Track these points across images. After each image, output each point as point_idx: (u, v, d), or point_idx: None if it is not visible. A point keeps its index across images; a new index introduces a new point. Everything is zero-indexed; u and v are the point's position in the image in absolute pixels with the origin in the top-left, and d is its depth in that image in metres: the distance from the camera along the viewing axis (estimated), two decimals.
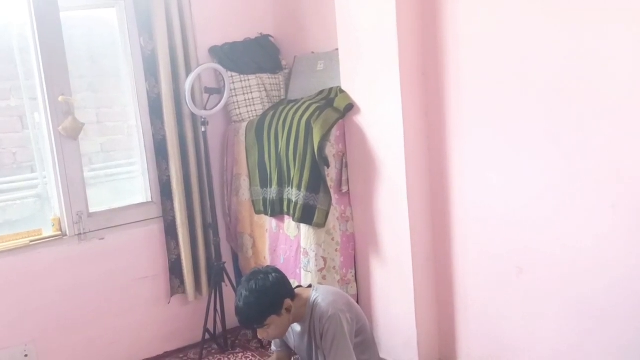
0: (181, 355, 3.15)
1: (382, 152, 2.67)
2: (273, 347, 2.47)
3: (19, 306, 2.68)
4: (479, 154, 2.46)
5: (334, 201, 2.81)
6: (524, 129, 2.26)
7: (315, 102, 2.87)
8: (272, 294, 2.12)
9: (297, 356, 2.50)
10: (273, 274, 2.17)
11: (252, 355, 3.06)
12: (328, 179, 2.79)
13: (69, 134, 2.77)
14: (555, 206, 2.20)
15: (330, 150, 2.79)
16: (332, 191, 2.80)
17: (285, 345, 2.43)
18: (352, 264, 2.96)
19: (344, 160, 2.86)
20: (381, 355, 2.49)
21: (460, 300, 2.65)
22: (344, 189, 2.88)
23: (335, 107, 2.80)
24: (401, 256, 2.68)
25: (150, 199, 3.13)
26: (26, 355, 2.70)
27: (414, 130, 2.59)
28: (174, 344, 3.22)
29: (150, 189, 3.12)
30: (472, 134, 2.46)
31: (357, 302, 2.80)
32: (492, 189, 2.43)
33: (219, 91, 3.08)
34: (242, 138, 3.18)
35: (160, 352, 3.17)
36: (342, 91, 2.82)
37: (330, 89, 2.95)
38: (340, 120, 2.79)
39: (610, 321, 2.10)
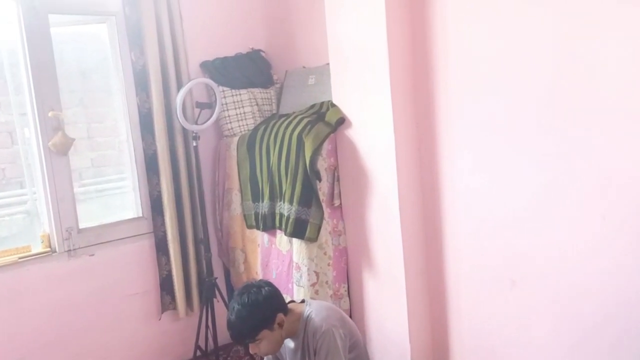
0: None
1: (374, 165, 2.67)
2: None
3: (7, 324, 2.64)
4: (471, 166, 2.46)
5: (326, 215, 2.81)
6: (514, 141, 2.27)
7: (306, 117, 2.88)
8: (264, 307, 2.10)
9: None
10: (266, 288, 2.15)
11: None
12: (320, 193, 2.79)
13: (59, 149, 2.75)
14: (548, 218, 2.21)
15: (322, 164, 2.79)
16: (324, 205, 2.80)
17: None
18: (345, 278, 2.94)
19: (336, 174, 2.86)
20: None
21: (454, 314, 2.64)
22: (336, 202, 2.87)
23: (327, 121, 2.81)
24: (394, 270, 2.67)
25: (141, 214, 3.10)
26: None
27: (406, 143, 2.60)
28: None
29: (141, 204, 3.10)
30: (463, 147, 2.47)
31: (350, 316, 2.78)
32: (485, 202, 2.43)
33: (210, 106, 3.08)
34: (234, 152, 3.18)
35: None
36: (333, 105, 2.83)
37: (322, 103, 2.96)
38: (332, 134, 2.80)
39: (603, 333, 2.10)
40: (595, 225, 2.06)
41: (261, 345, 2.14)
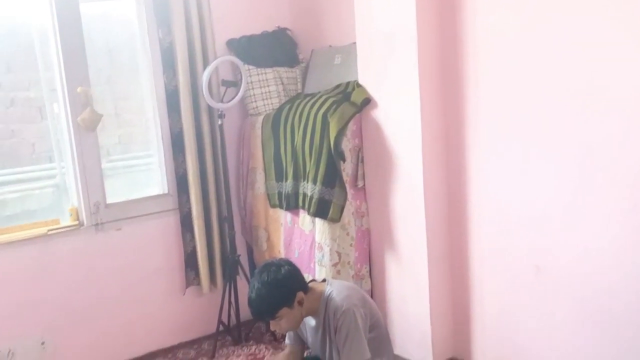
0: (195, 347, 3.17)
1: (399, 147, 2.64)
2: (287, 341, 2.46)
3: (36, 295, 2.72)
4: (498, 152, 2.42)
5: (349, 196, 2.80)
6: (544, 128, 2.23)
7: (332, 96, 2.86)
8: (283, 286, 2.12)
9: (309, 350, 2.49)
10: (285, 267, 2.17)
11: (266, 348, 3.07)
12: (344, 174, 2.78)
13: (87, 125, 2.79)
14: (575, 206, 2.17)
15: (347, 145, 2.78)
16: (347, 186, 2.79)
17: (298, 339, 2.43)
18: (367, 260, 2.94)
19: (360, 155, 2.84)
20: (395, 352, 2.48)
21: (476, 299, 2.63)
22: (360, 184, 2.86)
23: (352, 101, 2.78)
24: (416, 253, 2.66)
25: (166, 191, 3.14)
26: (43, 344, 2.74)
27: (432, 125, 2.56)
28: (188, 335, 3.24)
29: (167, 181, 3.13)
30: (491, 132, 2.43)
31: (371, 297, 2.78)
32: (511, 188, 2.39)
33: (236, 84, 3.08)
34: (259, 131, 3.18)
35: (174, 342, 3.19)
36: (359, 85, 2.81)
37: (347, 83, 2.93)
38: (357, 115, 2.78)
39: (627, 323, 2.06)
40: (624, 216, 2.02)
41: (281, 323, 2.17)
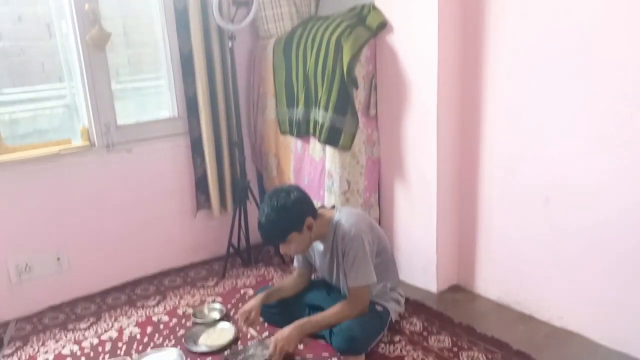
0: (206, 267, 3.26)
1: (414, 74, 2.58)
2: (295, 264, 2.53)
3: (50, 213, 2.78)
4: (515, 82, 2.36)
5: (360, 124, 2.77)
6: (562, 61, 2.16)
7: (346, 20, 2.76)
8: (293, 211, 2.14)
9: (317, 273, 2.56)
10: (295, 192, 2.18)
11: (274, 271, 3.16)
12: (356, 101, 2.74)
13: (96, 43, 2.73)
14: (590, 139, 2.13)
15: (360, 71, 2.71)
16: (359, 114, 2.75)
17: (306, 263, 2.49)
18: (376, 188, 2.96)
19: (374, 82, 2.78)
20: (400, 278, 2.54)
21: (483, 227, 2.66)
22: (372, 112, 2.82)
23: (367, 25, 2.69)
24: (426, 182, 2.67)
25: (176, 114, 3.12)
26: (58, 259, 2.83)
27: (450, 52, 2.49)
28: (199, 256, 3.33)
29: (177, 104, 3.11)
30: (510, 62, 2.36)
31: (379, 225, 2.82)
32: (526, 119, 2.35)
33: (247, 4, 2.97)
34: (270, 55, 3.11)
35: (186, 262, 3.29)
36: (375, 8, 2.70)
37: (363, 6, 2.82)
38: (372, 40, 2.69)
39: (633, 254, 2.08)
40: (634, 151, 1.99)
41: (291, 246, 2.21)
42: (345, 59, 2.64)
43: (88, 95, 2.79)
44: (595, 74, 2.07)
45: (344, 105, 2.71)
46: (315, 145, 2.98)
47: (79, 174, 2.82)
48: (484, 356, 2.19)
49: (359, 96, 2.76)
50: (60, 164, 2.76)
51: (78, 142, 2.84)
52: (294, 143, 3.16)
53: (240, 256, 3.27)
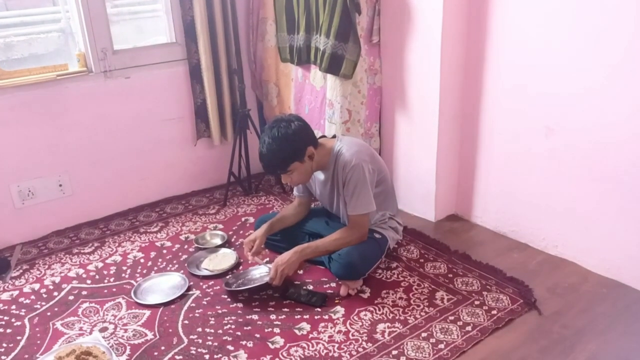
0: (208, 195, 3.30)
1: None
2: (295, 193, 2.55)
3: (50, 139, 2.76)
4: (521, 10, 2.29)
5: (363, 52, 2.71)
6: None
7: None
8: (294, 141, 2.14)
9: (317, 202, 2.59)
10: (295, 122, 2.17)
11: (275, 199, 3.19)
12: (358, 28, 2.66)
13: None
14: (597, 74, 2.09)
15: None
16: (362, 41, 2.68)
17: (307, 192, 2.51)
18: (377, 118, 2.94)
19: (377, 8, 2.70)
20: (399, 207, 2.58)
21: (483, 157, 2.66)
22: (375, 39, 2.75)
23: None
24: (428, 112, 2.65)
25: (174, 40, 3.04)
26: (60, 185, 2.85)
27: None
28: (200, 184, 3.36)
29: (174, 30, 3.02)
30: None
31: (380, 155, 2.82)
32: (531, 49, 2.30)
33: None
34: None
35: (188, 190, 3.32)
36: None
37: None
38: None
39: (631, 188, 2.10)
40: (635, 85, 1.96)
41: (292, 176, 2.22)
42: None
43: (83, 18, 2.71)
44: (601, 12, 2.00)
45: (346, 31, 2.63)
46: (316, 73, 2.93)
47: (77, 99, 2.79)
48: (478, 282, 2.26)
49: (362, 22, 2.68)
50: (58, 89, 2.71)
51: (75, 67, 2.78)
52: (294, 71, 3.10)
53: (241, 185, 3.29)
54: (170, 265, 2.53)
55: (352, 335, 1.98)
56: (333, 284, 2.29)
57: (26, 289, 2.39)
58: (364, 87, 2.79)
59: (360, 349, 1.91)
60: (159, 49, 3.01)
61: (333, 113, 2.83)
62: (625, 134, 2.06)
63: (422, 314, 2.08)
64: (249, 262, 2.41)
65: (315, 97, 2.99)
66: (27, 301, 2.29)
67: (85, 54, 2.78)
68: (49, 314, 2.20)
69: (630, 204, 2.12)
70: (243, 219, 2.96)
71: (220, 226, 2.89)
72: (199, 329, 2.06)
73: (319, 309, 2.13)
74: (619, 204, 2.15)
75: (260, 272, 2.32)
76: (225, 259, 2.51)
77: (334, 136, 2.40)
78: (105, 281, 2.43)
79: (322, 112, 2.96)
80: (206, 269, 2.45)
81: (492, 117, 2.56)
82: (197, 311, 2.17)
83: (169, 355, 1.92)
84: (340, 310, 2.13)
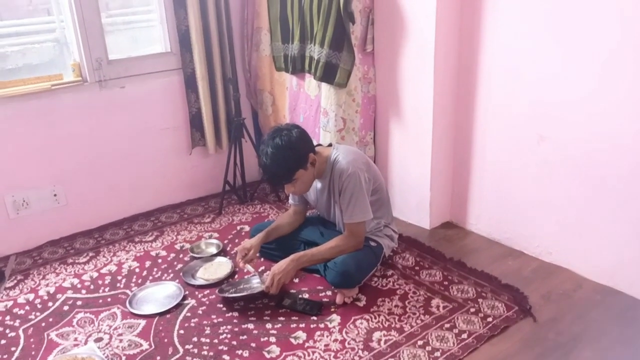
0: (203, 204, 3.30)
1: (413, 8, 2.52)
2: (290, 201, 2.56)
3: (45, 149, 2.76)
4: (512, 18, 2.32)
5: (357, 61, 2.73)
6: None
7: None
8: (297, 149, 2.14)
9: (313, 210, 2.60)
10: (295, 130, 2.17)
11: (270, 208, 3.19)
12: (352, 37, 2.68)
13: None
14: (588, 82, 2.12)
15: (357, 5, 2.64)
16: (356, 50, 2.70)
17: (302, 200, 2.52)
18: (372, 126, 2.95)
19: (371, 17, 2.72)
20: (394, 215, 2.58)
21: (477, 165, 2.68)
22: (369, 48, 2.77)
23: None
24: (422, 120, 2.66)
25: (169, 49, 3.05)
26: (55, 195, 2.84)
27: None
28: (195, 193, 3.36)
29: (169, 39, 3.03)
30: None
31: (374, 163, 2.83)
32: (522, 57, 2.32)
33: None
34: None
35: (183, 199, 3.32)
36: None
37: None
38: None
39: (624, 194, 2.12)
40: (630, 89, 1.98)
41: (297, 185, 2.22)
42: None
43: (77, 28, 2.71)
44: (590, 19, 2.03)
45: (340, 40, 2.65)
46: (310, 82, 2.94)
47: (72, 110, 2.79)
48: (473, 289, 2.27)
49: (356, 31, 2.70)
50: (53, 100, 2.72)
51: (70, 77, 2.78)
52: (289, 80, 3.12)
53: (236, 193, 3.29)
54: (166, 275, 2.52)
55: (348, 343, 1.98)
56: (329, 292, 2.29)
57: (20, 300, 2.37)
58: (358, 95, 2.81)
59: (356, 358, 1.91)
60: (154, 59, 3.02)
61: (328, 121, 2.85)
62: (617, 140, 2.08)
63: (418, 321, 2.09)
64: (244, 270, 2.41)
65: (310, 105, 3.01)
66: (22, 312, 2.28)
67: (80, 64, 2.79)
68: (43, 324, 2.19)
69: (623, 211, 2.13)
70: (238, 228, 2.96)
71: (216, 235, 2.89)
72: (195, 339, 2.05)
73: (314, 318, 2.13)
74: (612, 210, 2.17)
75: (256, 281, 2.32)
76: (220, 268, 2.50)
77: (330, 144, 2.41)
78: (100, 291, 2.42)
79: (317, 121, 2.97)
80: (201, 278, 2.44)
81: (485, 125, 2.58)
82: (192, 321, 2.17)
83: None
84: (336, 318, 2.13)
